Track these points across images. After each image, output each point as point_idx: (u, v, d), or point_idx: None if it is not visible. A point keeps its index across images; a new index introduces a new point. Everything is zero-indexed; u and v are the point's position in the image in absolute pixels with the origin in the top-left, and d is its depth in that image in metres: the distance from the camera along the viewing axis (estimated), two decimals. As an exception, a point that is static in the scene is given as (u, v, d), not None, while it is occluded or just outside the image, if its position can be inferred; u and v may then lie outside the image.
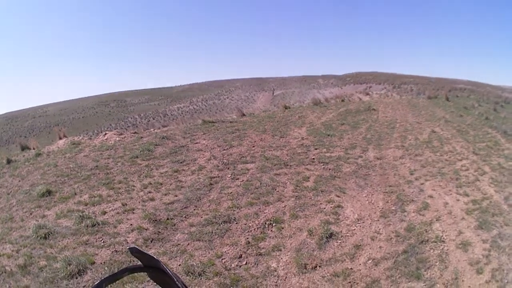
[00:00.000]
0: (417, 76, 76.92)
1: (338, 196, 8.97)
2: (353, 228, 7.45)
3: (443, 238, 6.94)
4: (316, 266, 6.16)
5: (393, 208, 8.34)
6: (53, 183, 10.55)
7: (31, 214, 8.79)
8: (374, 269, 6.06)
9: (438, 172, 10.48)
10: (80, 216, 8.26)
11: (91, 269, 6.37)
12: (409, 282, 5.71)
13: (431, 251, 6.55)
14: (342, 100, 29.01)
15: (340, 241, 6.95)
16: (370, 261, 6.29)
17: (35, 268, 6.52)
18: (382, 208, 8.34)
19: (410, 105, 25.39)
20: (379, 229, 7.41)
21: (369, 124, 17.94)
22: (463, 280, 5.77)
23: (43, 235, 7.64)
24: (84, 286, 5.95)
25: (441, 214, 7.93)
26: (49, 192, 9.92)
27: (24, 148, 17.28)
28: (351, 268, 6.08)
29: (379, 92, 45.47)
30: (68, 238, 7.52)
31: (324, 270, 6.06)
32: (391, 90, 52.70)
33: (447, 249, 6.57)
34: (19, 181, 11.30)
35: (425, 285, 5.63)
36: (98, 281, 1.37)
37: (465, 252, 6.50)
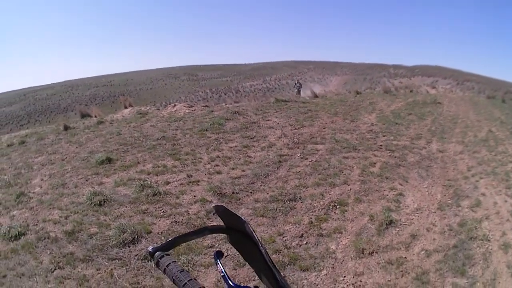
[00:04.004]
0: (478, 75, 75.46)
1: (401, 185, 8.99)
2: (412, 218, 7.43)
3: (489, 237, 6.80)
4: (373, 252, 6.17)
5: (449, 201, 8.27)
6: (114, 151, 10.85)
7: (87, 181, 8.96)
8: (426, 261, 6.02)
9: (491, 171, 10.25)
10: (141, 184, 8.31)
11: (146, 238, 6.43)
12: (454, 277, 5.63)
13: (478, 248, 6.44)
14: (411, 91, 29.58)
15: (398, 229, 6.95)
16: (423, 252, 6.25)
17: (84, 235, 6.57)
18: (440, 201, 8.28)
19: (472, 103, 25.25)
20: (435, 221, 7.36)
21: (434, 116, 17.91)
22: (499, 282, 5.66)
23: (98, 202, 7.66)
24: (136, 255, 5.98)
25: (490, 213, 7.77)
26: (109, 160, 10.05)
27: (84, 115, 17.76)
28: (405, 257, 6.07)
29: (444, 87, 45.50)
30: (126, 206, 7.61)
31: (380, 257, 6.06)
32: (455, 86, 52.41)
33: (491, 249, 6.45)
34: (76, 147, 11.60)
35: (467, 282, 5.54)
36: (172, 237, 1.32)
37: (505, 254, 6.36)
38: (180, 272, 1.20)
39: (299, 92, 29.60)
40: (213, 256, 1.36)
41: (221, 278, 1.28)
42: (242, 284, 1.21)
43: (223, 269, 1.26)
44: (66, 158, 10.78)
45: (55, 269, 5.71)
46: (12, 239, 6.64)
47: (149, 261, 5.70)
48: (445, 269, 5.78)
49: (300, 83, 31.36)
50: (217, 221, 1.49)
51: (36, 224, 7.13)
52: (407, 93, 28.08)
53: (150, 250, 1.29)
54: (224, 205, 1.30)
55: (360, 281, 5.49)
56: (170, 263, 1.25)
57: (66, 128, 14.47)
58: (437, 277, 5.61)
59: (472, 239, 6.72)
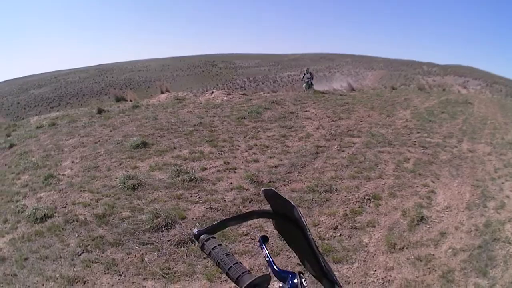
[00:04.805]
0: (506, 78, 75.05)
1: (433, 182, 8.99)
2: (442, 215, 7.44)
3: (511, 239, 6.79)
4: (403, 247, 6.21)
5: (477, 201, 8.24)
6: (150, 135, 11.03)
7: (120, 164, 9.16)
8: (452, 259, 6.04)
9: (516, 174, 10.18)
10: (177, 170, 8.39)
11: (180, 224, 6.43)
12: (476, 277, 5.66)
13: (500, 250, 6.43)
14: (443, 89, 29.72)
15: (428, 226, 6.97)
16: (450, 250, 6.28)
17: (116, 219, 6.64)
18: (468, 200, 8.27)
19: (500, 105, 25.04)
20: (463, 220, 7.36)
21: (465, 116, 17.77)
22: (515, 285, 5.71)
23: (132, 186, 7.74)
24: (168, 240, 5.98)
25: (513, 216, 7.79)
26: (144, 144, 10.25)
27: (119, 99, 18.11)
28: (433, 254, 6.09)
29: (474, 88, 45.68)
30: (160, 191, 7.68)
31: (410, 252, 6.10)
32: (485, 88, 52.23)
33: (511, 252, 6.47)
34: (110, 131, 11.82)
35: (488, 283, 5.56)
36: (218, 221, 1.34)
37: (524, 257, 6.39)
38: (226, 255, 1.23)
39: (309, 86, 23.86)
40: (258, 241, 1.38)
41: (266, 263, 1.31)
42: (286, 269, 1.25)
43: (268, 254, 1.30)
44: (99, 141, 10.94)
45: (82, 252, 5.79)
46: (38, 221, 6.72)
47: (182, 247, 5.80)
48: (469, 269, 5.82)
49: (311, 74, 25.01)
50: (254, 209, 1.52)
51: (65, 207, 7.25)
52: (440, 91, 28.01)
53: (195, 232, 1.31)
54: (274, 189, 1.33)
55: (390, 275, 5.55)
56: (215, 246, 1.26)
57: (100, 111, 14.68)
58: (461, 276, 5.65)
59: (496, 241, 6.73)
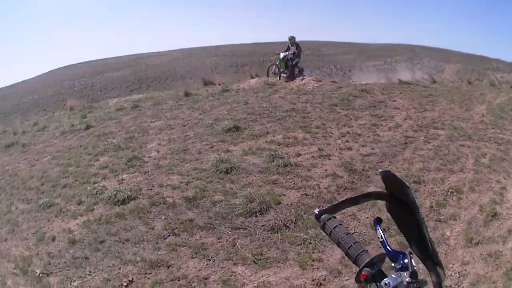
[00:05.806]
0: None
1: (505, 179, 8.72)
2: (510, 212, 7.26)
3: None
4: (478, 242, 6.16)
5: (535, 202, 8.19)
6: (242, 119, 11.19)
7: (211, 147, 9.22)
8: None
9: None
10: (272, 155, 8.34)
11: (274, 209, 6.34)
12: (530, 277, 5.73)
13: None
14: (511, 87, 28.12)
15: (500, 222, 6.84)
16: None
17: (207, 202, 6.56)
18: None
19: None
20: None
21: None
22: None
23: (224, 169, 7.64)
24: (262, 226, 5.92)
25: None
26: (236, 128, 10.17)
27: (207, 83, 18.30)
28: (501, 251, 6.00)
29: None
30: (254, 176, 7.64)
31: (483, 248, 6.04)
32: None
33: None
34: (200, 114, 12.03)
35: (529, 286, 5.64)
36: (338, 201, 1.40)
37: None
38: (346, 234, 1.29)
39: (289, 74, 17.70)
40: (372, 223, 1.49)
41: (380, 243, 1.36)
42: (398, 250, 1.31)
43: (382, 235, 1.34)
44: (188, 124, 11.08)
45: (168, 235, 5.73)
46: (119, 203, 6.66)
47: (276, 233, 5.79)
48: (527, 268, 5.86)
49: (296, 55, 18.23)
50: (371, 191, 1.60)
51: (151, 189, 7.19)
52: (508, 88, 26.59)
53: (317, 212, 1.37)
54: (391, 171, 1.36)
55: (465, 270, 5.58)
56: (336, 226, 1.32)
57: (187, 94, 14.87)
58: (518, 275, 5.73)
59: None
